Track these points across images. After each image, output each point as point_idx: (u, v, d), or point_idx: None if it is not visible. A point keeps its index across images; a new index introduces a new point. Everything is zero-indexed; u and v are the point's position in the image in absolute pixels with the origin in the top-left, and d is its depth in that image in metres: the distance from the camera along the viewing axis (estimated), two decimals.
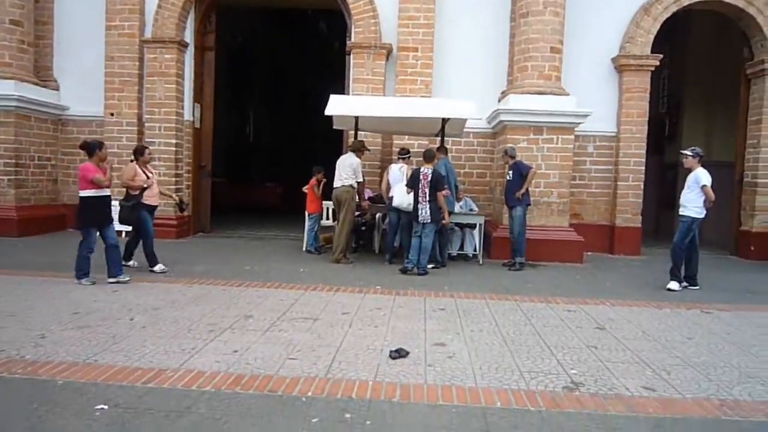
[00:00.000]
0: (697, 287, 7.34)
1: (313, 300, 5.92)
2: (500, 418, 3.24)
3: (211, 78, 11.38)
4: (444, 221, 7.83)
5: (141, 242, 7.31)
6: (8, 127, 10.02)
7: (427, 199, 7.59)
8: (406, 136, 10.02)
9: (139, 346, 4.21)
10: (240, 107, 20.87)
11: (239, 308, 5.45)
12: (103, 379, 3.56)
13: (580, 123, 9.32)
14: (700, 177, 7.04)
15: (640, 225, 10.35)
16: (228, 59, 17.17)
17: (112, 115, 10.55)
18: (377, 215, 9.41)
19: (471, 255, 9.10)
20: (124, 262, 7.06)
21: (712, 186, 7.01)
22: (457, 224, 8.89)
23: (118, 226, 7.02)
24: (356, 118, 8.83)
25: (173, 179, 10.47)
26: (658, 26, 10.12)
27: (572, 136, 9.37)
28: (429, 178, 7.60)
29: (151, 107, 10.49)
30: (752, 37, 10.44)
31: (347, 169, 8.22)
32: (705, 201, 7.08)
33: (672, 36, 12.59)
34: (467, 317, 5.43)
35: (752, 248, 10.25)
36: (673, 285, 7.21)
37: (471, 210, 9.36)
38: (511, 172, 8.37)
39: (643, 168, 10.31)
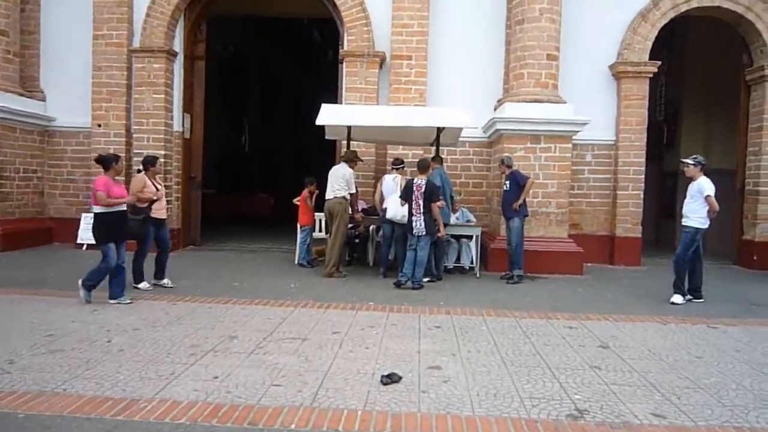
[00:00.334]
0: (702, 300, 7.10)
1: (302, 318, 5.65)
2: None
3: (202, 88, 11.14)
4: (439, 233, 7.58)
5: (139, 255, 6.87)
6: None
7: (422, 210, 7.35)
8: (401, 146, 9.78)
9: (113, 372, 3.94)
10: (233, 117, 20.63)
11: (224, 328, 5.18)
12: (70, 411, 3.29)
13: (578, 131, 9.11)
14: (704, 187, 6.82)
15: (640, 235, 10.12)
16: (220, 68, 16.98)
17: (99, 126, 10.30)
18: (371, 227, 9.16)
19: (468, 267, 8.85)
20: (155, 281, 6.92)
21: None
22: (453, 236, 8.65)
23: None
24: (348, 127, 8.60)
25: (162, 191, 10.19)
26: (655, 33, 9.94)
27: (570, 145, 9.16)
28: (423, 189, 7.36)
29: (140, 118, 10.24)
30: (751, 43, 10.28)
31: (340, 180, 7.98)
32: (709, 211, 6.86)
33: (669, 42, 12.43)
34: (464, 336, 5.16)
35: (755, 257, 10.03)
36: (677, 298, 6.96)
37: (468, 221, 9.12)
38: (508, 182, 8.14)
39: (643, 177, 10.09)
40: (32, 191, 10.60)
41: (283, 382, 3.85)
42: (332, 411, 3.41)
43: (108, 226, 5.97)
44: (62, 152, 10.85)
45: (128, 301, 6.04)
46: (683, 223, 7.06)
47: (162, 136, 10.23)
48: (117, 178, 6.22)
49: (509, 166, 8.23)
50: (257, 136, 22.15)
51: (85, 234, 10.10)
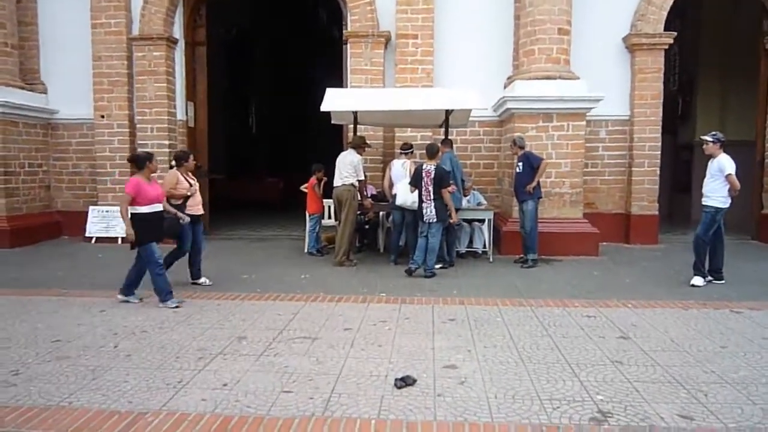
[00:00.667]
0: (723, 281, 6.90)
1: (313, 313, 5.52)
2: None
3: (204, 74, 10.92)
4: (451, 219, 7.39)
5: (176, 254, 6.63)
6: None
7: (432, 197, 7.15)
8: (409, 129, 9.55)
9: (120, 381, 3.84)
10: (240, 100, 20.40)
11: (233, 327, 5.07)
12: (74, 428, 3.19)
13: (592, 108, 8.83)
14: (724, 165, 6.55)
15: (657, 212, 9.87)
16: (226, 52, 16.72)
17: (102, 117, 10.16)
18: (381, 213, 8.99)
19: (480, 251, 8.67)
20: (192, 281, 6.71)
21: None
22: (465, 220, 8.45)
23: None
24: (355, 112, 8.37)
25: None
26: (671, 2, 9.54)
27: (584, 122, 8.88)
28: (432, 176, 7.16)
29: (142, 107, 10.09)
30: None
31: (348, 167, 7.79)
32: (729, 190, 6.61)
33: (683, 10, 12.00)
34: (479, 329, 5.02)
35: None
36: (697, 281, 6.76)
37: (479, 204, 8.91)
38: (520, 163, 7.91)
39: (659, 152, 9.80)
40: (38, 185, 10.52)
41: (293, 388, 3.73)
42: (345, 420, 3.29)
43: (147, 226, 5.66)
44: (66, 145, 10.73)
45: (136, 301, 5.93)
46: (703, 203, 6.81)
47: (165, 125, 10.08)
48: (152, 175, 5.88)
49: (522, 147, 7.99)
50: (265, 120, 21.93)
51: (93, 227, 10.08)
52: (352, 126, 8.88)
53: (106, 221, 10.05)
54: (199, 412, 3.38)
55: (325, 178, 9.06)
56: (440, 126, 9.06)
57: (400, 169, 8.14)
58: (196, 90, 10.85)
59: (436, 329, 5.02)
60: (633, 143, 9.77)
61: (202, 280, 6.80)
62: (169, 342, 4.66)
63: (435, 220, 7.17)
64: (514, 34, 9.68)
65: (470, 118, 9.15)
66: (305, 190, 9.11)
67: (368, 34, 9.62)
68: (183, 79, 10.47)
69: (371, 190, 8.83)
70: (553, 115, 8.73)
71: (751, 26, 10.72)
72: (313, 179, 9.01)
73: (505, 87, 9.66)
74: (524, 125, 8.75)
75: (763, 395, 3.65)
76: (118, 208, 9.83)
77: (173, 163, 6.61)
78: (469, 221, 8.61)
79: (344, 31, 10.01)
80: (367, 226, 9.19)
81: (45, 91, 10.59)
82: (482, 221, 8.56)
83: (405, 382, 3.77)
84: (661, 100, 9.73)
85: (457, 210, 7.63)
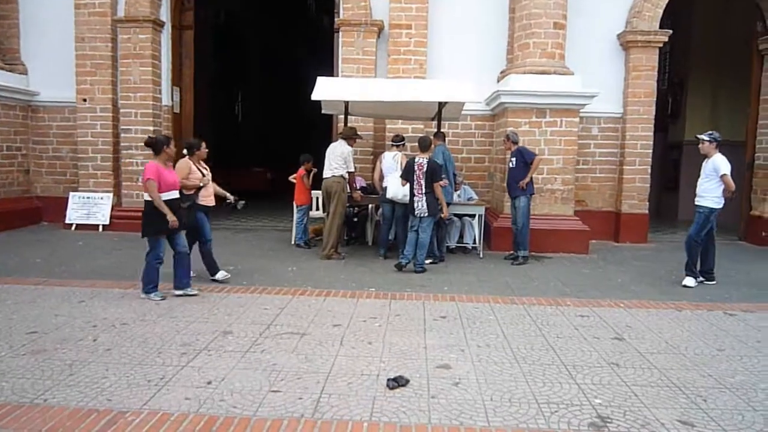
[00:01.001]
0: (714, 282, 6.86)
1: (301, 308, 5.37)
2: None
3: (191, 59, 10.65)
4: (443, 214, 7.26)
5: (206, 248, 6.36)
6: None
7: (424, 191, 7.01)
8: (400, 121, 9.39)
9: (99, 378, 3.65)
10: (227, 88, 20.03)
11: (218, 321, 4.90)
12: (48, 428, 3.01)
13: (586, 104, 8.74)
14: (719, 165, 6.49)
15: (647, 211, 9.83)
16: (213, 37, 16.36)
17: (84, 101, 9.86)
18: (369, 206, 8.84)
19: (470, 247, 8.56)
20: (211, 277, 6.32)
21: None
22: (455, 214, 8.33)
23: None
24: (346, 102, 8.19)
25: None
26: None
27: (577, 119, 8.79)
28: (424, 169, 7.01)
29: (126, 92, 9.80)
30: (766, 9, 9.81)
31: (338, 159, 7.62)
32: (724, 190, 6.56)
33: (674, 8, 11.95)
34: (471, 327, 4.90)
35: (764, 234, 9.77)
36: (689, 281, 6.71)
37: (470, 199, 8.80)
38: (514, 159, 7.80)
39: (651, 151, 9.74)
40: (17, 169, 10.20)
41: (282, 387, 3.58)
42: (336, 423, 3.14)
43: (157, 215, 5.36)
44: (47, 128, 10.41)
45: (194, 293, 5.64)
46: (696, 203, 6.75)
47: (150, 110, 9.81)
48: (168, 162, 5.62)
49: (515, 143, 7.88)
50: (252, 108, 21.59)
51: (74, 213, 9.80)
52: (341, 116, 8.70)
53: (87, 208, 9.77)
54: (183, 412, 3.22)
55: (314, 169, 8.88)
56: (432, 119, 8.92)
57: (391, 162, 7.99)
58: (182, 75, 10.57)
59: (427, 326, 4.90)
60: (625, 141, 9.71)
61: (192, 272, 6.34)
62: (151, 336, 4.47)
63: (426, 214, 7.03)
64: (509, 27, 9.55)
65: (462, 112, 9.01)
66: (294, 181, 8.91)
67: (361, 22, 9.42)
68: (169, 64, 10.19)
69: (360, 182, 8.66)
70: (547, 110, 8.63)
71: (744, 27, 10.70)
72: (301, 170, 8.82)
73: (498, 81, 9.53)
74: (517, 120, 8.63)
75: (763, 401, 3.57)
76: (99, 194, 9.76)
77: (184, 151, 6.17)
78: (460, 216, 8.49)
79: (336, 19, 9.80)
80: (355, 219, 9.04)
81: (25, 72, 10.25)
82: (473, 216, 8.45)
83: (398, 382, 3.63)
84: (655, 99, 9.68)
85: (448, 204, 7.50)
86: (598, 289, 6.53)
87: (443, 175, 7.30)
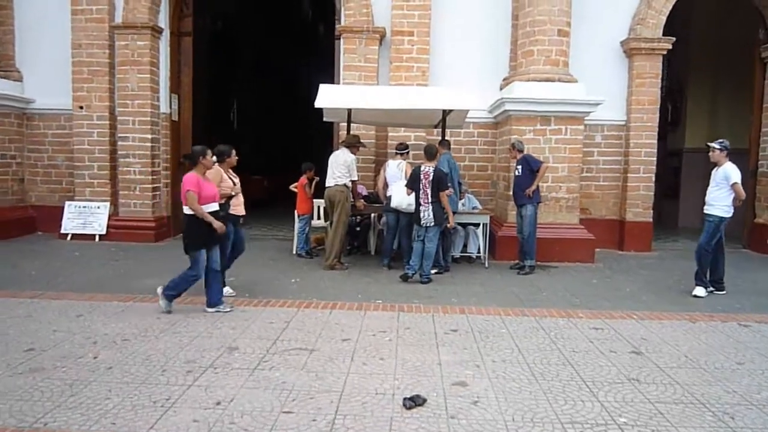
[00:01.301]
0: (724, 291, 6.76)
1: (307, 321, 5.21)
2: None
3: (189, 66, 10.50)
4: (449, 224, 7.14)
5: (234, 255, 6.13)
6: None
7: (430, 200, 6.88)
8: (402, 129, 9.27)
9: (101, 398, 3.49)
10: (225, 95, 19.87)
11: (222, 336, 4.74)
12: None
13: (591, 112, 8.65)
14: (730, 174, 6.41)
15: (651, 219, 9.74)
16: (209, 44, 16.20)
17: (81, 108, 9.69)
18: (372, 215, 8.70)
19: (475, 256, 8.43)
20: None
21: None
22: (459, 223, 8.20)
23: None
24: (349, 110, 8.06)
25: (150, 177, 9.66)
26: (670, 6, 9.43)
27: (582, 127, 8.70)
28: (431, 178, 6.89)
29: (124, 99, 9.63)
30: None
31: (341, 167, 7.49)
32: (734, 199, 6.47)
33: (673, 16, 11.93)
34: (485, 341, 4.76)
35: None
36: (699, 291, 6.60)
37: (474, 207, 8.68)
38: (519, 167, 7.68)
39: (655, 159, 9.67)
40: (11, 178, 10.01)
41: (294, 408, 3.42)
42: None
43: (201, 230, 5.19)
44: (42, 136, 10.23)
45: (228, 310, 5.44)
46: (706, 211, 6.66)
47: (148, 118, 9.64)
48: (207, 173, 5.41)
49: (521, 151, 7.77)
50: (249, 116, 21.42)
51: (70, 223, 9.61)
52: (342, 124, 8.58)
53: (83, 217, 9.59)
54: None
55: (316, 178, 8.74)
56: (435, 126, 8.82)
57: (396, 170, 7.86)
58: (181, 82, 10.42)
59: (439, 341, 4.75)
60: (629, 149, 9.63)
61: (226, 290, 6.12)
62: (154, 352, 4.31)
63: (432, 223, 6.90)
64: (512, 34, 9.47)
65: (465, 119, 8.90)
66: (295, 190, 8.77)
67: (363, 29, 9.31)
68: (167, 71, 10.04)
69: (362, 190, 8.53)
70: (551, 118, 8.53)
71: (744, 34, 10.67)
72: (303, 178, 8.68)
73: (501, 88, 9.44)
74: (521, 127, 8.53)
75: None
76: (96, 204, 9.58)
77: (214, 159, 5.79)
78: (464, 225, 8.36)
79: (337, 26, 9.69)
80: (358, 228, 8.90)
81: (20, 79, 10.07)
82: (477, 225, 8.32)
83: (414, 402, 3.48)
84: (658, 106, 9.62)
85: (453, 213, 7.37)
86: (608, 299, 6.42)
87: (448, 184, 7.18)
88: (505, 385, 3.86)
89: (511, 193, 8.18)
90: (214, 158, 5.68)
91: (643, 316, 5.66)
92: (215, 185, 5.49)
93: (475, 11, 9.61)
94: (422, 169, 6.97)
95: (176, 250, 8.94)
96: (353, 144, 7.69)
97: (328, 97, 7.53)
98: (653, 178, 9.68)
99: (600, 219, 9.72)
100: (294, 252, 8.70)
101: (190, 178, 5.20)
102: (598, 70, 9.48)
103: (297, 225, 8.68)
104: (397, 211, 7.51)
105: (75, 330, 4.80)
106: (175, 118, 10.36)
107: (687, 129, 13.32)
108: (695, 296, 6.56)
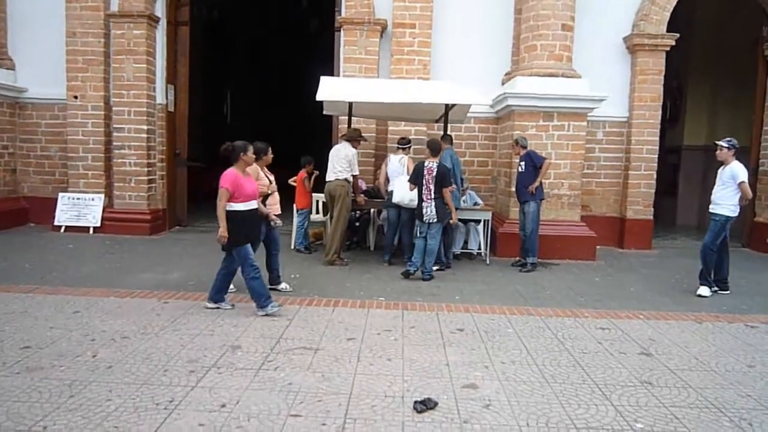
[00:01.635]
0: (728, 291, 6.71)
1: (310, 319, 5.11)
2: None
3: (186, 56, 10.30)
4: (451, 220, 7.04)
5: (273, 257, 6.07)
6: None
7: (433, 196, 6.78)
8: (402, 123, 9.15)
9: (102, 400, 3.37)
10: (221, 86, 19.64)
11: (224, 334, 4.62)
12: None
13: (594, 108, 8.56)
14: (737, 173, 6.34)
15: (652, 217, 9.68)
16: (204, 35, 15.98)
17: (75, 98, 9.48)
18: (372, 210, 8.59)
19: (476, 253, 8.35)
20: (271, 286, 5.84)
21: None
22: (461, 220, 8.09)
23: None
24: (350, 103, 7.93)
25: (145, 169, 9.49)
26: (674, 2, 9.34)
27: (585, 123, 8.62)
28: (434, 173, 6.78)
29: (119, 89, 9.44)
30: None
31: (342, 161, 7.36)
32: (741, 198, 6.42)
33: (676, 13, 11.86)
34: (492, 341, 4.68)
35: None
36: (704, 291, 6.55)
37: (475, 204, 8.58)
38: (523, 163, 7.59)
39: (656, 156, 9.61)
40: (3, 169, 9.80)
41: (301, 411, 3.32)
42: None
43: (242, 226, 5.02)
44: (35, 126, 10.02)
45: (277, 308, 5.20)
46: (712, 210, 6.60)
47: (144, 109, 9.45)
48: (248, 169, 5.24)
49: (524, 147, 7.67)
50: (244, 107, 21.21)
51: (63, 215, 9.44)
52: (342, 117, 8.44)
53: (77, 209, 9.41)
54: None
55: (316, 172, 8.61)
56: (437, 121, 8.71)
57: (398, 165, 7.75)
58: (177, 73, 10.23)
59: (446, 340, 4.66)
60: (630, 146, 9.57)
61: (282, 285, 6.07)
62: (155, 351, 4.19)
63: (435, 220, 6.81)
64: (515, 28, 9.35)
65: (467, 114, 8.79)
66: (293, 184, 8.64)
67: (364, 21, 9.16)
68: (164, 61, 9.85)
69: (362, 185, 8.40)
70: (554, 114, 8.44)
71: (746, 31, 10.61)
72: (302, 172, 8.55)
73: (503, 83, 9.34)
74: (524, 123, 8.44)
75: None
76: (90, 195, 9.41)
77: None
78: (465, 221, 8.27)
79: (337, 18, 9.54)
80: (357, 223, 8.78)
81: (12, 68, 9.85)
82: (478, 221, 8.24)
83: (426, 405, 3.39)
84: (661, 103, 9.54)
85: (456, 209, 7.27)
86: (613, 298, 6.35)
87: (452, 180, 7.07)
88: (516, 387, 3.78)
89: (512, 189, 8.11)
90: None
91: (649, 316, 5.60)
92: (255, 182, 5.33)
93: (477, 4, 9.49)
94: (426, 164, 6.86)
95: (172, 243, 8.90)
96: (354, 138, 7.57)
97: (328, 90, 7.39)
98: (654, 176, 9.63)
99: (600, 216, 9.66)
100: (292, 247, 8.58)
101: (228, 175, 5.02)
102: (600, 65, 9.37)
103: (296, 219, 8.56)
104: (398, 207, 7.41)
105: (72, 327, 4.67)
106: (171, 108, 10.18)
107: (686, 126, 13.28)
108: (699, 296, 6.50)
